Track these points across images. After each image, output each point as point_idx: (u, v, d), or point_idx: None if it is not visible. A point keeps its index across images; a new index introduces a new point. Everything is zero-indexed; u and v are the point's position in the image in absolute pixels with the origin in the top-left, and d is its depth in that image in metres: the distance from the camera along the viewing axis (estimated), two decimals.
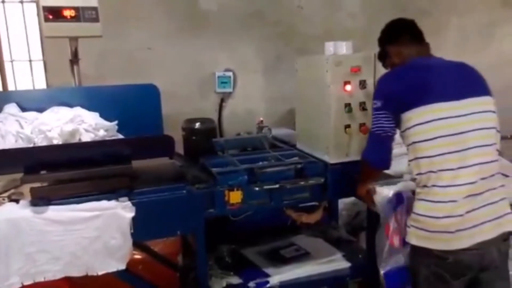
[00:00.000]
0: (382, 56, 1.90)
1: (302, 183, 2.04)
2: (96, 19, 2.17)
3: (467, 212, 1.52)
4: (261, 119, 2.80)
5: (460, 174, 1.53)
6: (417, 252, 1.65)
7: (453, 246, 1.54)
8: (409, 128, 1.62)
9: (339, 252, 2.36)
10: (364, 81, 2.07)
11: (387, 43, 1.86)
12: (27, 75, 3.47)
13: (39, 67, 3.47)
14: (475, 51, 3.74)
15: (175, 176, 2.02)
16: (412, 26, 1.83)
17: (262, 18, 3.48)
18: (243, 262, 2.28)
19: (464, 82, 1.63)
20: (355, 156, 2.10)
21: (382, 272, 1.84)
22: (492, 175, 1.57)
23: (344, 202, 2.86)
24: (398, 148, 3.23)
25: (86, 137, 1.86)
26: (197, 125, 2.35)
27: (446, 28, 3.90)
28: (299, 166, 2.07)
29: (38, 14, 3.29)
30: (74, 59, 2.30)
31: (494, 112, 1.63)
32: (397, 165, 2.93)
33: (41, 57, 3.45)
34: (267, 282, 2.10)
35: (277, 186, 1.98)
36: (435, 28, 3.53)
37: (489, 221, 1.54)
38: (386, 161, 1.79)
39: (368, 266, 2.23)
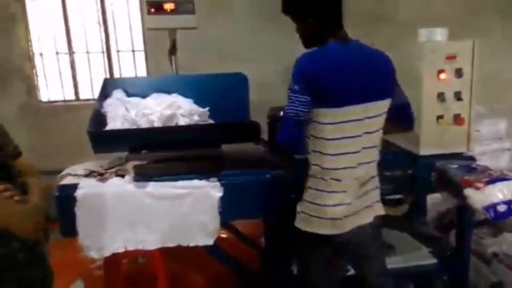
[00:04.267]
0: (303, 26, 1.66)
1: (387, 173, 1.99)
2: (192, 12, 2.31)
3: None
4: None
5: None
6: None
7: None
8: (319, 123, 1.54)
9: (425, 247, 2.27)
10: (461, 69, 1.95)
11: (311, 15, 1.60)
12: (130, 64, 3.82)
13: (140, 56, 3.81)
14: None
15: (260, 161, 2.10)
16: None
17: (353, 4, 3.41)
18: None
19: (371, 85, 1.55)
20: (447, 149, 2.00)
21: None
22: None
23: (432, 198, 2.73)
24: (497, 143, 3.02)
25: (182, 122, 2.01)
26: (282, 113, 2.40)
27: None
28: (384, 156, 2.02)
29: (141, 8, 3.60)
30: (173, 50, 2.47)
31: (385, 113, 1.61)
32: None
33: (142, 47, 3.77)
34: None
35: None
36: None
37: None
38: None
39: (456, 264, 2.13)
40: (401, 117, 1.71)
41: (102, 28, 3.76)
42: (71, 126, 3.51)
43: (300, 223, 1.66)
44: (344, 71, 1.52)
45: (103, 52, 3.80)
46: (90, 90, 3.84)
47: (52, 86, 3.86)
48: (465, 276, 2.19)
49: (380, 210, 1.71)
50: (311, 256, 1.70)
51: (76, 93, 3.87)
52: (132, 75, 3.79)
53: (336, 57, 1.55)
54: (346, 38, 1.62)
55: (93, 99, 3.72)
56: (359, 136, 1.56)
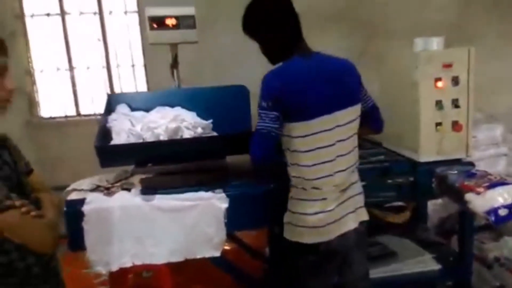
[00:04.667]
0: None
1: (389, 181, 2.03)
2: (193, 26, 2.35)
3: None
4: None
5: None
6: None
7: None
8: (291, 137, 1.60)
9: (428, 253, 2.30)
10: (457, 77, 2.00)
11: (267, 31, 1.64)
12: (131, 79, 3.86)
13: (140, 71, 3.84)
14: None
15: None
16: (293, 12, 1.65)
17: (347, 14, 3.48)
18: None
19: (338, 93, 1.59)
20: (446, 155, 2.04)
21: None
22: None
23: (433, 204, 2.77)
24: (494, 149, 3.07)
25: (186, 134, 2.04)
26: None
27: None
28: (385, 164, 2.06)
29: (140, 24, 3.65)
30: (175, 64, 2.50)
31: (356, 119, 1.65)
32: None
33: (142, 62, 3.81)
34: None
35: (363, 183, 1.99)
36: None
37: None
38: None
39: (459, 269, 2.15)
40: (370, 120, 1.76)
41: (102, 43, 3.80)
42: (73, 142, 3.53)
43: (287, 233, 1.69)
44: (310, 84, 1.56)
45: (103, 67, 3.84)
46: (91, 106, 3.87)
47: (53, 102, 3.88)
48: (468, 281, 2.22)
49: (364, 215, 1.73)
50: (301, 265, 1.71)
51: (77, 109, 3.90)
52: (132, 89, 3.83)
53: (301, 71, 1.59)
54: (309, 50, 1.66)
55: (94, 115, 3.75)
56: (333, 145, 1.59)
